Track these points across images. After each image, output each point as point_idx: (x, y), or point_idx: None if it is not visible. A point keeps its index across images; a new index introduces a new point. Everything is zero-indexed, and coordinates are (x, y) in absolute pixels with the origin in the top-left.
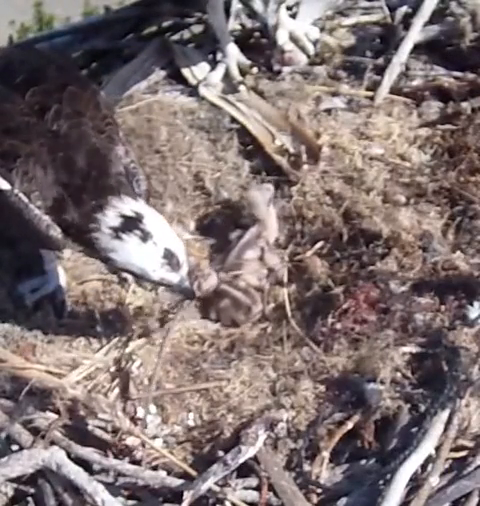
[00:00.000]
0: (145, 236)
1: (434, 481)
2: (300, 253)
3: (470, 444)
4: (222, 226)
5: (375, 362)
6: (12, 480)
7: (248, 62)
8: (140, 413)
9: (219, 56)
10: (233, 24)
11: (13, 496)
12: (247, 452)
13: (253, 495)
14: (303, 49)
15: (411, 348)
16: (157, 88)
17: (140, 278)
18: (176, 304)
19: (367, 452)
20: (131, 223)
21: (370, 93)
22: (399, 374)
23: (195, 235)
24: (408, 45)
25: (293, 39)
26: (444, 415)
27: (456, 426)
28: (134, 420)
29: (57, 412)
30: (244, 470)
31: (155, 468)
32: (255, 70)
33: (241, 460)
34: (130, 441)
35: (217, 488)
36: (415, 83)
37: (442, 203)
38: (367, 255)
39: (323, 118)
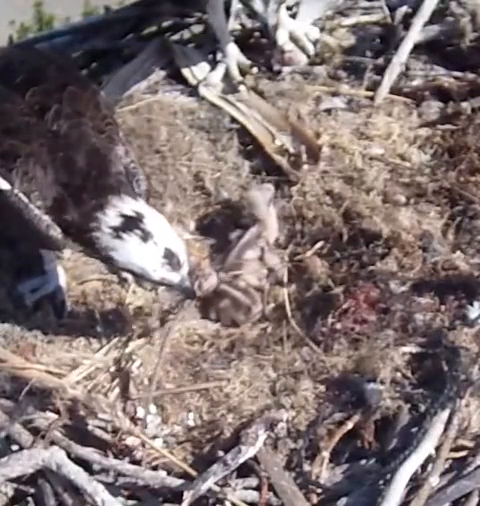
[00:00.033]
0: (145, 236)
1: (434, 481)
2: (300, 253)
3: (470, 444)
4: (222, 226)
5: (375, 362)
6: (12, 480)
7: (248, 62)
8: (140, 413)
9: (219, 56)
10: (233, 24)
11: (13, 496)
12: (247, 452)
13: (253, 495)
14: (303, 49)
15: (411, 348)
16: (157, 88)
17: (140, 278)
18: (176, 304)
19: (367, 452)
20: (131, 223)
21: (370, 93)
22: (399, 374)
23: (195, 235)
24: (408, 45)
25: (293, 39)
26: (444, 415)
27: (456, 426)
28: (134, 420)
29: (57, 412)
30: (244, 470)
31: (155, 468)
32: (255, 70)
33: (241, 460)
34: (130, 441)
35: (217, 488)
36: (415, 83)
37: (442, 203)
38: (367, 255)
39: (323, 118)
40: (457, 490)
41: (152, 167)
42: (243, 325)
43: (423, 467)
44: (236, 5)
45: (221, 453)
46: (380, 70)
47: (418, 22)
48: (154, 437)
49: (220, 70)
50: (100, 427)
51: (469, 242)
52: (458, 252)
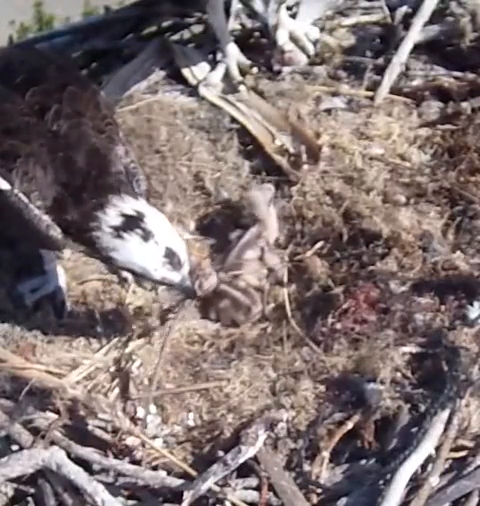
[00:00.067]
0: (146, 235)
1: (434, 481)
2: (300, 253)
3: (470, 444)
4: (222, 226)
5: (375, 362)
6: (12, 480)
7: (248, 62)
8: (140, 413)
9: (219, 56)
10: (233, 24)
11: (13, 496)
12: (247, 452)
13: (253, 495)
14: (303, 49)
15: (411, 348)
16: (157, 88)
17: (141, 277)
18: (177, 303)
19: (367, 452)
20: (132, 222)
21: (370, 93)
22: (399, 374)
23: (195, 235)
24: (408, 45)
25: (293, 39)
26: (444, 415)
27: (456, 426)
28: (134, 420)
29: (57, 412)
30: (244, 470)
31: (155, 468)
32: (255, 70)
33: (241, 460)
34: (130, 441)
35: (217, 488)
36: (415, 83)
37: (442, 203)
38: (367, 255)
39: (323, 118)
40: (457, 490)
41: (152, 167)
42: (243, 325)
43: (423, 467)
44: (236, 5)
45: (221, 453)
46: (380, 70)
47: (418, 22)
48: (154, 437)
49: (220, 70)
50: (100, 427)
51: (469, 242)
52: (458, 252)
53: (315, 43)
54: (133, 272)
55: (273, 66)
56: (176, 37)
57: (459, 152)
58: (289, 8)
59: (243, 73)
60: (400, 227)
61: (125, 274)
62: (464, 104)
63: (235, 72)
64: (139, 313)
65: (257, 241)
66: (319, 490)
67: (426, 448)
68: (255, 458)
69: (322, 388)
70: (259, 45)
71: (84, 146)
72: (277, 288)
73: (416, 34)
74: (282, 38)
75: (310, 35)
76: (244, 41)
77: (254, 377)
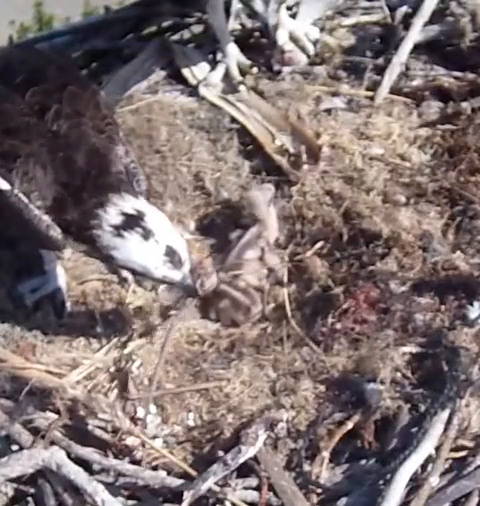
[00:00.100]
0: (147, 234)
1: (434, 481)
2: (300, 253)
3: (470, 444)
4: (222, 226)
5: (375, 362)
6: (12, 480)
7: (248, 62)
8: (140, 413)
9: (219, 56)
10: (233, 24)
11: (13, 496)
12: (247, 452)
13: (253, 495)
14: (303, 49)
15: (411, 348)
16: (157, 88)
17: (142, 276)
18: (178, 302)
19: (367, 452)
20: (132, 221)
21: (370, 93)
22: (399, 374)
23: (195, 235)
24: (408, 45)
25: (293, 39)
26: (444, 415)
27: (456, 426)
28: (134, 420)
29: (57, 412)
30: (244, 470)
31: (155, 468)
32: (255, 70)
33: (241, 460)
34: (130, 441)
35: (217, 488)
36: (415, 83)
37: (442, 203)
38: (367, 255)
39: (323, 118)
40: (457, 490)
41: (152, 167)
42: (243, 325)
43: (423, 467)
44: (236, 5)
45: (221, 453)
46: (380, 70)
47: (418, 22)
48: (154, 437)
49: (220, 70)
50: (100, 427)
51: (469, 242)
52: (458, 252)
53: (315, 43)
54: (133, 271)
55: (273, 66)
56: (176, 37)
57: (459, 152)
58: (289, 8)
59: (243, 73)
60: (400, 227)
61: (125, 274)
62: (464, 104)
63: (235, 72)
64: (139, 313)
65: (257, 241)
66: (319, 490)
67: (426, 448)
68: (255, 458)
69: (322, 388)
70: (259, 45)
71: (84, 146)
72: (277, 288)
73: (416, 34)
74: (282, 38)
75: (310, 35)
76: (244, 41)
77: (254, 377)
